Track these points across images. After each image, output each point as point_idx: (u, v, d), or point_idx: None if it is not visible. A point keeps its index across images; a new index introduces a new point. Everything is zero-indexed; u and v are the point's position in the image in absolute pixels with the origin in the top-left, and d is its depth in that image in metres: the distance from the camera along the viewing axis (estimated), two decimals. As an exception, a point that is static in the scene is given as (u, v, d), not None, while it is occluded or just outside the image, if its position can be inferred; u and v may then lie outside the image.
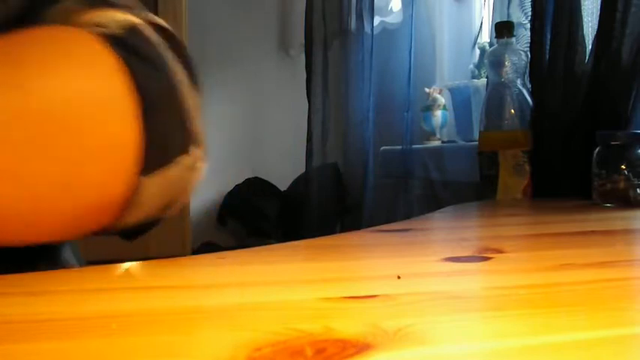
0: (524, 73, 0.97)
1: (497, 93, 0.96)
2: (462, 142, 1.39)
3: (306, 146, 1.66)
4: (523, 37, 1.03)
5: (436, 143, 1.46)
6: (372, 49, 1.51)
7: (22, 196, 0.29)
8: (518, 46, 0.99)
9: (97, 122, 0.32)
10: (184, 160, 0.35)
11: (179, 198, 0.37)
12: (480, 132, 0.97)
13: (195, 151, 0.37)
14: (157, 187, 0.34)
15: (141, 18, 0.38)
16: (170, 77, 0.35)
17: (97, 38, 0.34)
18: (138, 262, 0.35)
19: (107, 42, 0.33)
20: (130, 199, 0.33)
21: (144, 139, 0.33)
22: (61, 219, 0.32)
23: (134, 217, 0.34)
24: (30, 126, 0.29)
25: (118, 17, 0.36)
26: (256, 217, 1.89)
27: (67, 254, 0.43)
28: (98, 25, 0.35)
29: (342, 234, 0.49)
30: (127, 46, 0.34)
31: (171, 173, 0.34)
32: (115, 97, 0.32)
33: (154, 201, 0.34)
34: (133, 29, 0.35)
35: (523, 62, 0.96)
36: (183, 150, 0.36)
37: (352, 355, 0.19)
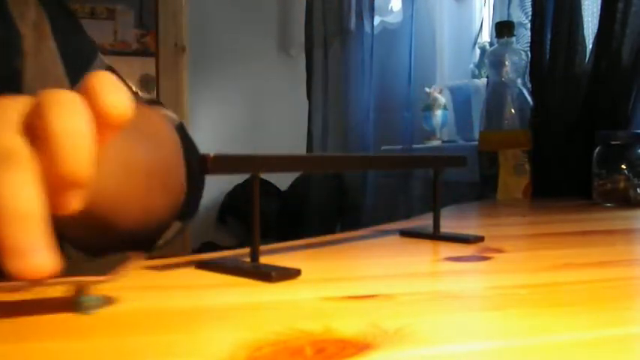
0: (525, 72, 0.97)
1: (497, 93, 0.96)
2: (462, 142, 1.39)
3: (307, 146, 1.66)
4: (523, 36, 1.03)
5: (436, 143, 1.46)
6: (372, 48, 1.51)
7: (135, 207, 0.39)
8: (518, 46, 0.99)
9: (179, 182, 0.45)
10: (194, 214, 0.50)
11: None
12: (480, 132, 0.97)
13: None
14: (174, 231, 0.47)
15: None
16: (198, 152, 0.50)
17: (170, 122, 0.47)
18: (138, 262, 0.35)
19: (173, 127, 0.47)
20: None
21: (185, 197, 0.46)
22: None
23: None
24: (163, 175, 0.42)
25: (169, 114, 0.51)
26: (256, 217, 1.88)
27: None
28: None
29: (342, 234, 0.49)
30: (180, 132, 0.48)
31: (187, 224, 0.49)
32: (181, 165, 0.45)
33: (166, 238, 0.47)
34: (181, 122, 0.51)
35: (523, 62, 0.96)
36: (199, 206, 0.51)
37: (352, 354, 0.19)
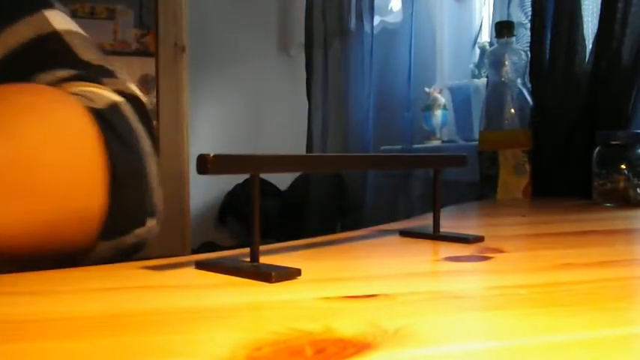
0: (524, 72, 0.97)
1: (497, 93, 0.96)
2: (462, 142, 1.39)
3: (306, 146, 1.66)
4: (523, 36, 1.03)
5: (436, 143, 1.46)
6: (372, 48, 1.51)
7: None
8: (518, 46, 0.99)
9: (69, 187, 0.35)
10: (138, 231, 0.40)
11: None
12: (480, 132, 0.97)
13: (150, 222, 0.41)
14: (109, 250, 0.38)
15: (118, 87, 0.42)
16: (140, 155, 0.39)
17: (84, 109, 0.37)
18: (138, 262, 0.35)
19: (91, 114, 0.37)
20: (84, 254, 0.38)
21: (108, 209, 0.37)
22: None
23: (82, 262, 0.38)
24: (18, 173, 0.33)
25: (103, 94, 0.40)
26: (256, 217, 1.88)
27: None
28: (85, 98, 0.39)
29: (342, 234, 0.49)
30: (107, 121, 0.38)
31: (124, 241, 0.39)
32: (89, 168, 0.36)
33: (102, 256, 0.38)
34: (114, 106, 0.39)
35: (523, 62, 0.96)
36: (141, 223, 0.40)
37: (352, 354, 0.19)
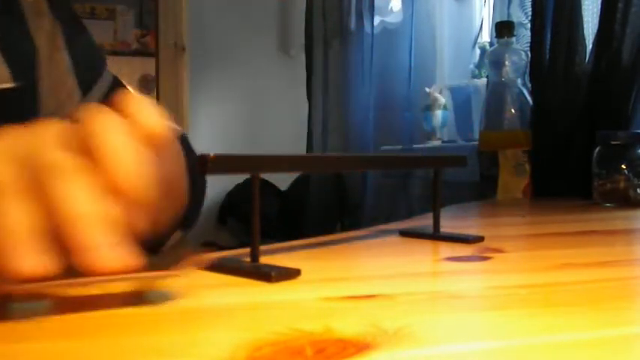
0: (525, 73, 0.97)
1: (497, 93, 0.96)
2: (462, 142, 1.39)
3: (306, 146, 1.66)
4: (523, 36, 1.03)
5: (436, 143, 1.46)
6: (372, 48, 1.51)
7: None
8: (518, 46, 0.99)
9: (173, 191, 0.41)
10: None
11: None
12: (480, 132, 0.97)
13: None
14: (177, 239, 0.48)
15: None
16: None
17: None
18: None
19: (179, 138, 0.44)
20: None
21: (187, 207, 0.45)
22: None
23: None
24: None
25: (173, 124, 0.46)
26: (256, 217, 1.88)
27: None
28: None
29: (342, 234, 0.49)
30: (183, 141, 0.47)
31: (187, 232, 0.49)
32: (181, 174, 0.43)
33: (168, 247, 0.47)
34: (184, 132, 0.51)
35: (523, 62, 0.96)
36: (199, 216, 0.52)
37: (352, 354, 0.19)
